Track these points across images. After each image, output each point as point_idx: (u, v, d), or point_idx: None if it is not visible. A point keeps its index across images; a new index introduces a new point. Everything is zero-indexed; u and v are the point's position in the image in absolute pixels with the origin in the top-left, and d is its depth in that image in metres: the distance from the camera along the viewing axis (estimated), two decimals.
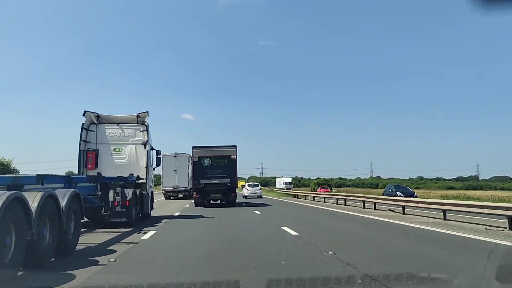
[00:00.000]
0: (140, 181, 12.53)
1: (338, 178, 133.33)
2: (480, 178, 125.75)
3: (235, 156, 20.83)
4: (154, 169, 14.31)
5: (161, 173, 31.61)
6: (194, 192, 21.45)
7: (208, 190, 20.45)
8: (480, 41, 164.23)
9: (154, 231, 9.71)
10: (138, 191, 11.54)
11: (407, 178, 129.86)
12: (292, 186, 71.02)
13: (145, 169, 12.76)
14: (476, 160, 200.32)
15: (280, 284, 4.41)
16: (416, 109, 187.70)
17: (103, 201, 9.33)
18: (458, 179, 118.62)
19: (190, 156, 27.64)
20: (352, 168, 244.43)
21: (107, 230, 9.83)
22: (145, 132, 12.96)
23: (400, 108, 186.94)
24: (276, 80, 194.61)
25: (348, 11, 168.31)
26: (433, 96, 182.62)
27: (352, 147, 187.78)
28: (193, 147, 21.24)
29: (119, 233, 9.19)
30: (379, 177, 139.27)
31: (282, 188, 62.48)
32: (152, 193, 14.00)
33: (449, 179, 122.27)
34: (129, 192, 10.50)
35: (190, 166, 29.26)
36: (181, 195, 30.51)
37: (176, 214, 15.89)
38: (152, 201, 14.17)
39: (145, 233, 9.25)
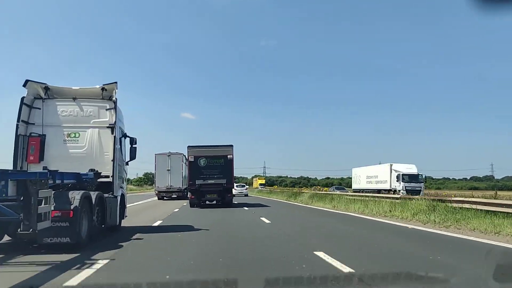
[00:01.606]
0: (104, 179, 9.09)
1: (348, 178, 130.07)
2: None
3: (231, 156, 20.33)
4: (127, 163, 10.81)
5: (154, 173, 30.05)
6: (189, 193, 20.86)
7: (203, 191, 19.94)
8: (486, 40, 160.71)
9: (107, 261, 5.93)
10: (95, 194, 8.00)
11: None
12: (423, 185, 35.93)
13: (112, 162, 9.21)
14: (485, 159, 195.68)
15: (277, 283, 4.46)
16: (424, 108, 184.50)
17: (23, 211, 6.11)
18: (472, 179, 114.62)
19: (184, 155, 26.36)
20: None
21: (34, 259, 6.15)
22: (112, 111, 9.43)
23: (407, 106, 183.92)
24: (278, 79, 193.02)
25: (351, 10, 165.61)
26: (440, 95, 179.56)
27: (358, 146, 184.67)
28: (189, 147, 20.71)
29: (49, 266, 5.64)
30: None
31: (386, 191, 33.83)
32: (123, 196, 10.44)
33: (460, 179, 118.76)
34: (74, 196, 7.02)
35: (184, 165, 28.41)
36: (175, 196, 29.92)
37: (159, 223, 12.23)
38: (124, 207, 10.61)
39: (91, 265, 5.62)
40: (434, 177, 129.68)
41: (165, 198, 30.28)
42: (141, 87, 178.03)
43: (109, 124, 9.39)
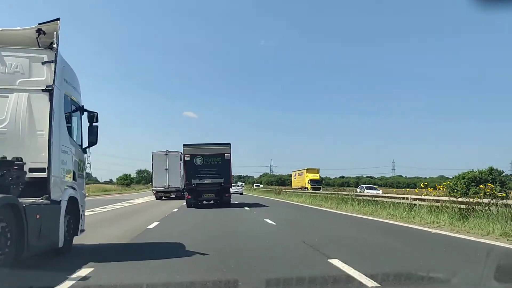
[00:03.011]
0: (35, 174, 5.90)
1: (367, 177, 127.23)
2: None
3: (229, 154, 19.95)
4: (85, 150, 7.41)
5: (151, 172, 29.48)
6: (186, 193, 20.46)
7: (200, 190, 19.60)
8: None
9: None
10: None
11: (427, 177, 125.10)
12: None
13: (48, 145, 5.83)
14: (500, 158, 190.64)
15: (279, 283, 4.40)
16: (438, 107, 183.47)
17: None
18: None
19: (182, 154, 25.95)
20: (371, 167, 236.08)
21: None
22: (51, 66, 6.14)
23: (418, 106, 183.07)
24: (287, 78, 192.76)
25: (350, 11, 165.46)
26: (453, 95, 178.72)
27: (370, 145, 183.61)
28: (184, 145, 20.37)
29: None
30: (400, 175, 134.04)
31: None
32: (75, 200, 6.73)
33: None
34: None
35: (182, 164, 27.25)
36: (173, 195, 29.46)
37: (130, 238, 8.74)
38: (78, 217, 6.91)
39: None
40: (446, 176, 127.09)
41: (163, 198, 29.78)
42: (142, 85, 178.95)
43: (46, 86, 6.04)
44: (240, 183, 52.85)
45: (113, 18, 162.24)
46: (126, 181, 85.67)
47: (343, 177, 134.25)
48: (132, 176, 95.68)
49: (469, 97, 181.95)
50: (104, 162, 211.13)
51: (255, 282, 4.60)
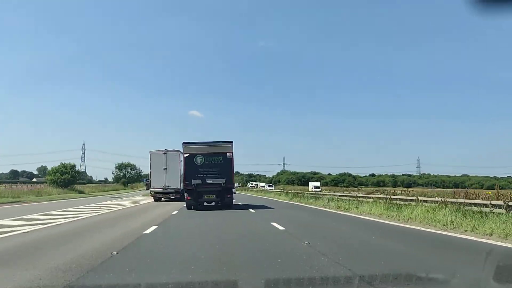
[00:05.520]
0: None
1: (403, 175, 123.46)
2: None
3: (231, 153, 19.45)
4: None
5: (149, 172, 29.44)
6: (185, 194, 20.09)
7: (200, 191, 19.18)
8: None
9: None
10: None
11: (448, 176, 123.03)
12: None
13: None
14: None
15: (278, 283, 4.46)
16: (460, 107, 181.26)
17: None
18: None
19: (182, 152, 25.20)
20: (393, 165, 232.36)
21: None
22: None
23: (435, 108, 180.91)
24: (299, 74, 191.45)
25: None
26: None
27: (393, 141, 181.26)
28: (184, 143, 19.91)
29: None
30: (424, 174, 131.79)
31: None
32: None
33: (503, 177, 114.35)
34: None
35: (182, 164, 26.46)
36: (173, 197, 28.79)
37: None
38: None
39: None
40: (470, 174, 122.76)
41: (162, 199, 29.26)
42: (147, 85, 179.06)
43: None
44: (255, 183, 60.07)
45: (119, 20, 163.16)
46: (61, 178, 46.94)
47: (373, 175, 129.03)
48: (79, 169, 57.52)
49: (494, 98, 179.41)
50: (107, 162, 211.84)
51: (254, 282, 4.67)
